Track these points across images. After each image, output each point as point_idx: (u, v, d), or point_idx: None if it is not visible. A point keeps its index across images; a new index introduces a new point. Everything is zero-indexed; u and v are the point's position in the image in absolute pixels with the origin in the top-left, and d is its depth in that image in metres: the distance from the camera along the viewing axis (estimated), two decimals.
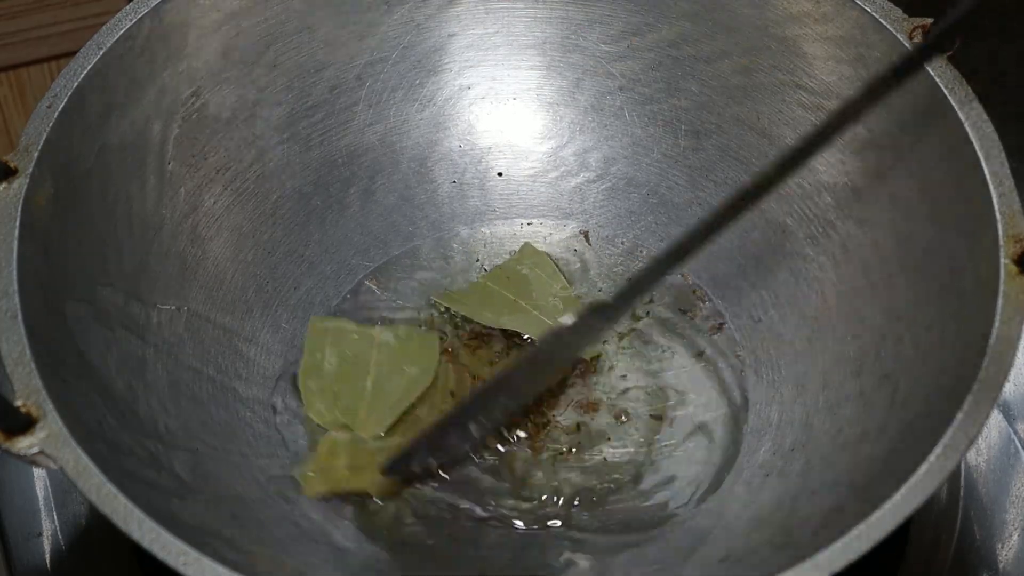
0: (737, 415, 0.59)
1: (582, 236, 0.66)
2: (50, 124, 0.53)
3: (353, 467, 0.57)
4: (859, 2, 0.57)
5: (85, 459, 0.46)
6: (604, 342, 0.62)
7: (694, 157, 0.65)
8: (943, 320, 0.52)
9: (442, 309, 0.63)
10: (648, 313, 0.63)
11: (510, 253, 0.66)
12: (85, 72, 0.55)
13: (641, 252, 0.65)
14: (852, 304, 0.58)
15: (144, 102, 0.58)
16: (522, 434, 0.59)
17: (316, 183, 0.65)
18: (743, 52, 0.62)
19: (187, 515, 0.49)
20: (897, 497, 0.45)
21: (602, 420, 0.60)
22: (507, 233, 0.66)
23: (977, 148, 0.52)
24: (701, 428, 0.59)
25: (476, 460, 0.58)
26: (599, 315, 0.51)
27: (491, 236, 0.66)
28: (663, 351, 0.62)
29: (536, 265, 0.64)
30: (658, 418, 0.60)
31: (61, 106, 0.54)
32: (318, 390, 0.60)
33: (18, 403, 0.46)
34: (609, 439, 0.59)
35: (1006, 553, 0.58)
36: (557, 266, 0.65)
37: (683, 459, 0.58)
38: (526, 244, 0.65)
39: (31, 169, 0.52)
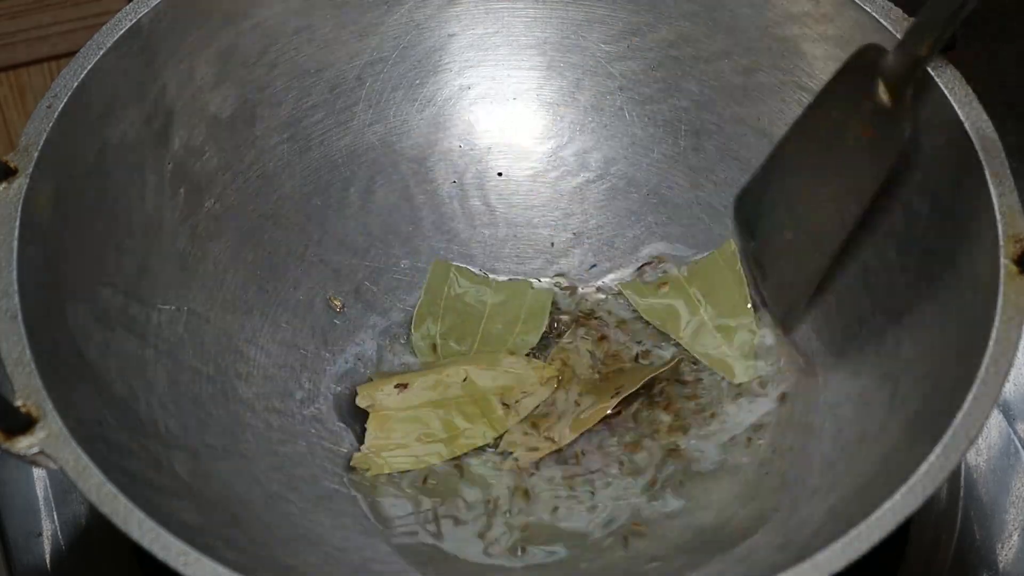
0: None
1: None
2: (50, 124, 0.53)
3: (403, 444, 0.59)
4: (859, 2, 0.57)
5: (85, 459, 0.46)
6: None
7: (694, 157, 0.65)
8: (943, 320, 0.52)
9: None
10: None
11: (510, 253, 0.66)
12: (85, 72, 0.55)
13: (640, 251, 0.65)
14: (852, 304, 0.58)
15: (144, 102, 0.58)
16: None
17: (316, 183, 0.65)
18: (743, 52, 0.62)
19: (187, 515, 0.49)
20: (897, 497, 0.45)
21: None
22: (507, 234, 0.66)
23: (977, 148, 0.52)
24: None
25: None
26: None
27: (491, 236, 0.66)
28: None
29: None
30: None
31: (61, 106, 0.54)
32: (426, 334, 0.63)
33: (18, 403, 0.46)
34: None
35: (1006, 553, 0.58)
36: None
37: None
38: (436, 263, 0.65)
39: (31, 169, 0.52)
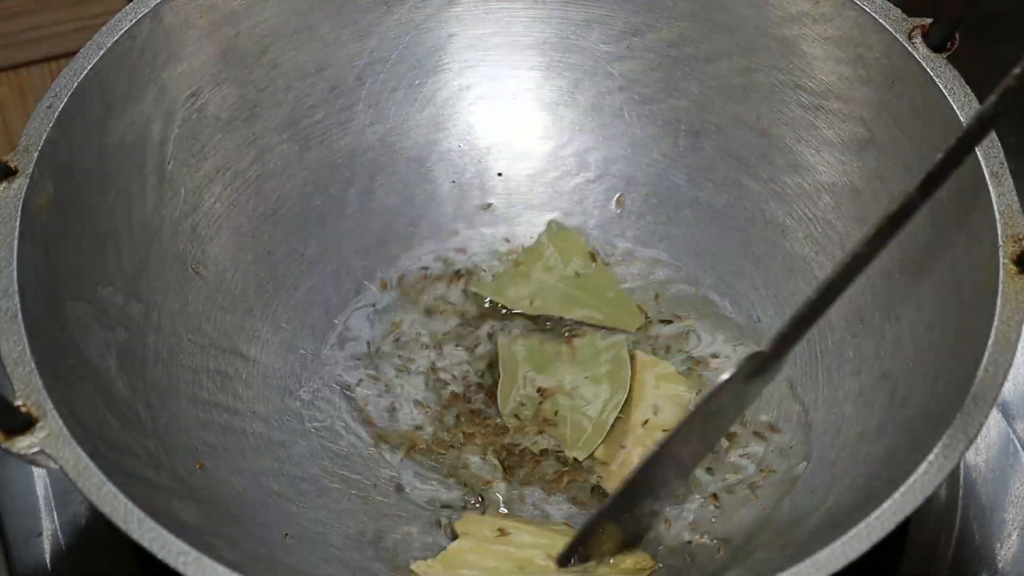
0: None
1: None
2: (50, 124, 0.53)
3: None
4: (858, 2, 0.57)
5: (85, 459, 0.46)
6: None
7: (694, 157, 0.65)
8: (943, 320, 0.52)
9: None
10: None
11: (510, 253, 0.66)
12: (85, 72, 0.55)
13: (639, 252, 0.65)
14: (852, 304, 0.58)
15: (144, 102, 0.58)
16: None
17: (316, 183, 0.65)
18: (743, 52, 0.62)
19: (187, 515, 0.49)
20: (896, 497, 0.45)
21: None
22: (507, 233, 0.66)
23: (976, 148, 0.52)
24: None
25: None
26: (756, 367, 0.48)
27: (491, 236, 0.66)
28: None
29: (563, 241, 0.65)
30: None
31: (61, 106, 0.54)
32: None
33: (18, 403, 0.46)
34: None
35: (1005, 553, 0.58)
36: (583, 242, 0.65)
37: None
38: (551, 222, 0.66)
39: (31, 169, 0.52)
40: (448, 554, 0.55)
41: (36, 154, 0.53)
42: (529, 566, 0.54)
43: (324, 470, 0.58)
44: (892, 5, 0.57)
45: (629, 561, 0.55)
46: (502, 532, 0.56)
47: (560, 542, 0.54)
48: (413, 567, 0.55)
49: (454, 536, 0.56)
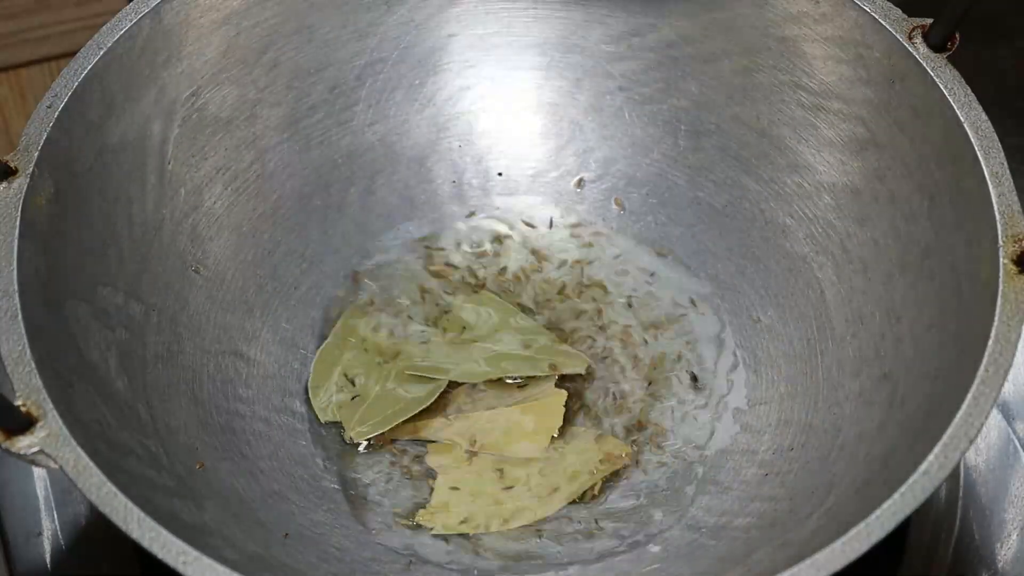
0: None
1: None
2: (50, 124, 0.53)
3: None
4: (858, 2, 0.57)
5: (85, 459, 0.46)
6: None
7: (694, 157, 0.65)
8: (943, 320, 0.52)
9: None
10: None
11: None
12: (85, 72, 0.55)
13: (639, 252, 0.65)
14: (852, 304, 0.58)
15: (144, 102, 0.58)
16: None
17: (316, 183, 0.65)
18: (743, 52, 0.62)
19: (187, 515, 0.49)
20: (896, 497, 0.45)
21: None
22: (507, 233, 0.66)
23: (977, 148, 0.52)
24: None
25: None
26: None
27: (491, 236, 0.66)
28: None
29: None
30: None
31: (61, 106, 0.54)
32: (325, 381, 0.61)
33: (18, 403, 0.46)
34: None
35: (1005, 553, 0.58)
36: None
37: None
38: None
39: (31, 169, 0.52)
40: (439, 496, 0.57)
41: (36, 154, 0.53)
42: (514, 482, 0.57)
43: (324, 469, 0.58)
44: (892, 5, 0.57)
45: (606, 446, 0.57)
46: (471, 452, 0.58)
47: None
48: (418, 519, 0.56)
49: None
